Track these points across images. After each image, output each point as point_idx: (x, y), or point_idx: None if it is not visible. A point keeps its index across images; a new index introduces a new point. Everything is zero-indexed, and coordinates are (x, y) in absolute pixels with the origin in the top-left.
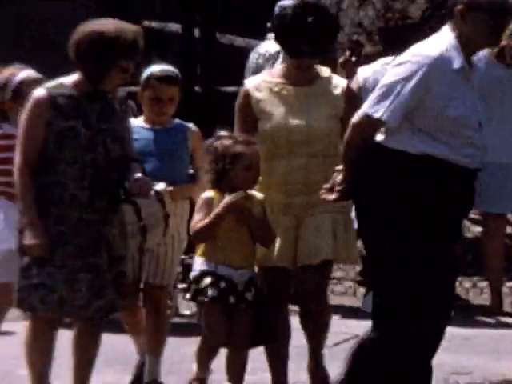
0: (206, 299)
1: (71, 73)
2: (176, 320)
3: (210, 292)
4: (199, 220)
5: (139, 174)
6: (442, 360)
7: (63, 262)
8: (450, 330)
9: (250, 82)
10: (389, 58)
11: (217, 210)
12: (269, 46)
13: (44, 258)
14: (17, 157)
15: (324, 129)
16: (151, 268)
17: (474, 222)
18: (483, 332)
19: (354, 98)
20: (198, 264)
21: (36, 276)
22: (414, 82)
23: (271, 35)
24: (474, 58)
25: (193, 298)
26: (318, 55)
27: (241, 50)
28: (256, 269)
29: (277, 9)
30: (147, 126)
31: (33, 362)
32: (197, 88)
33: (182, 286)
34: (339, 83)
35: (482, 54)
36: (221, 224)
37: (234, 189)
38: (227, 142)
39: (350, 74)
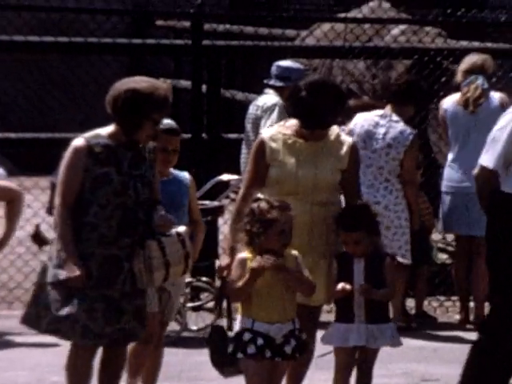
0: (245, 356)
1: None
2: (185, 334)
3: (248, 349)
4: (234, 281)
5: (163, 212)
6: (413, 369)
7: (85, 293)
8: (420, 343)
9: (267, 133)
10: (380, 111)
11: (246, 276)
12: (266, 99)
13: (71, 292)
14: (57, 199)
15: (328, 180)
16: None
17: (441, 250)
18: (449, 345)
19: (357, 154)
20: (239, 321)
21: (66, 307)
22: (509, 128)
23: (268, 90)
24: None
25: (233, 354)
26: (329, 126)
27: (241, 103)
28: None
29: (294, 85)
30: None
31: None
32: (204, 135)
33: (190, 304)
34: (346, 141)
35: (451, 101)
36: (252, 285)
37: (265, 251)
38: (264, 206)
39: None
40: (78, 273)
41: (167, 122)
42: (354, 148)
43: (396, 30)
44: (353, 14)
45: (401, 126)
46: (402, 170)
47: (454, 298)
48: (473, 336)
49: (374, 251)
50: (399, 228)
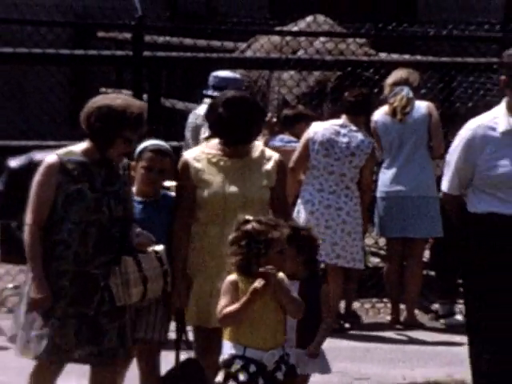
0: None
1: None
2: None
3: (240, 377)
4: (226, 305)
5: (139, 229)
6: (347, 368)
7: (57, 310)
8: (354, 343)
9: (189, 154)
10: (338, 121)
11: (246, 296)
12: (205, 108)
13: (48, 312)
14: (27, 216)
15: (257, 198)
16: (144, 324)
17: (373, 253)
18: (380, 345)
19: (284, 170)
20: (228, 347)
21: (40, 328)
22: (458, 151)
23: (207, 99)
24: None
25: (225, 382)
26: (250, 141)
27: (181, 112)
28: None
29: (209, 92)
30: (138, 198)
31: None
32: None
33: None
34: (272, 156)
35: (380, 113)
36: (251, 307)
37: (259, 274)
38: (260, 227)
39: (271, 132)
40: (43, 295)
41: (156, 142)
42: (280, 164)
43: (318, 42)
44: (289, 27)
45: (360, 135)
46: (362, 177)
47: (386, 300)
48: (403, 336)
49: (311, 276)
50: (358, 234)
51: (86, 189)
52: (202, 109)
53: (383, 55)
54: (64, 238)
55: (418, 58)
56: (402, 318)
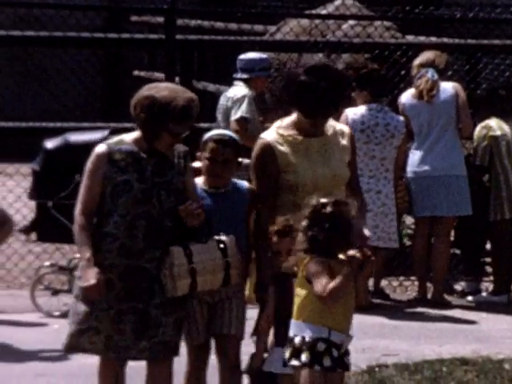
0: (321, 368)
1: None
2: None
3: (325, 361)
4: (327, 282)
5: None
6: (375, 344)
7: (109, 304)
8: (382, 320)
9: (270, 136)
10: (372, 105)
11: (346, 268)
12: (236, 90)
13: (94, 304)
14: (77, 206)
15: (344, 175)
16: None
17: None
18: (408, 322)
19: (355, 143)
20: (309, 330)
21: (86, 321)
22: None
23: (237, 82)
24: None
25: (310, 364)
26: (331, 114)
27: (212, 94)
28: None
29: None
30: (207, 189)
31: None
32: None
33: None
34: (344, 130)
35: (407, 95)
36: (352, 281)
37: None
38: (342, 209)
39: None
40: (92, 282)
41: (220, 131)
42: (352, 137)
43: (346, 25)
44: (318, 10)
45: (394, 115)
46: (397, 157)
47: (413, 278)
48: (430, 314)
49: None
50: (394, 215)
51: (133, 180)
52: (232, 91)
53: (410, 38)
54: (111, 231)
55: (445, 40)
56: (428, 296)
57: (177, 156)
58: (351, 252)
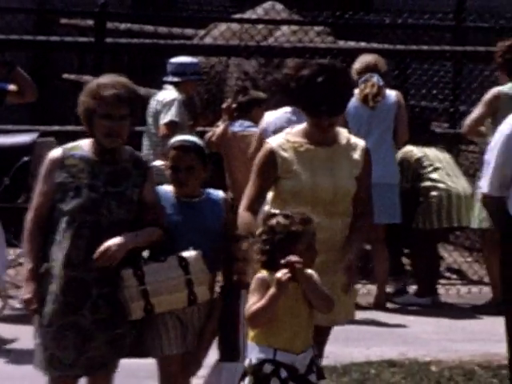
0: None
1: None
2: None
3: (271, 383)
4: (254, 303)
5: (115, 240)
6: None
7: (51, 320)
8: None
9: (274, 141)
10: (288, 108)
11: (272, 289)
12: (166, 94)
13: (39, 319)
14: (28, 212)
15: (348, 189)
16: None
17: None
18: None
19: (370, 159)
20: (255, 351)
21: (36, 337)
22: (497, 149)
23: (167, 85)
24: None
25: None
26: (336, 114)
27: (143, 97)
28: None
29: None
30: (176, 199)
31: None
32: None
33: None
34: (358, 143)
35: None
36: (277, 304)
37: (285, 265)
38: (285, 221)
39: (231, 118)
40: (27, 296)
41: (182, 137)
42: (367, 152)
43: (279, 32)
44: (247, 15)
45: None
46: None
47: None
48: (359, 316)
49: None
50: None
51: (84, 187)
52: (162, 95)
53: (340, 43)
54: (58, 238)
55: (374, 45)
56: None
57: (135, 166)
58: (277, 274)
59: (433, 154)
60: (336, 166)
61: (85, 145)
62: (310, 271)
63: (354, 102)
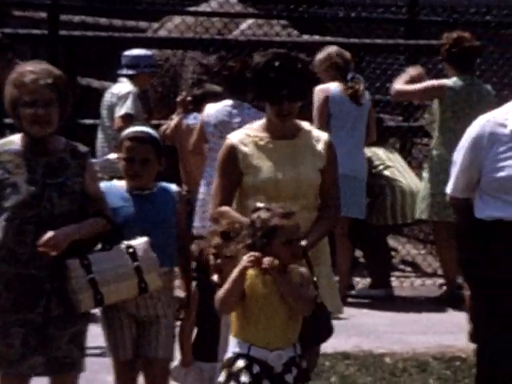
0: None
1: None
2: None
3: (242, 377)
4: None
5: (58, 231)
6: None
7: (5, 321)
8: None
9: (235, 137)
10: (229, 101)
11: (233, 273)
12: (121, 87)
13: None
14: None
15: (312, 182)
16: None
17: None
18: None
19: (335, 151)
20: (233, 345)
21: None
22: (463, 150)
23: (122, 78)
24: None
25: (226, 382)
26: (296, 99)
27: (97, 90)
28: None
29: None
30: (128, 192)
31: None
32: None
33: None
34: (321, 136)
35: (337, 90)
36: (238, 288)
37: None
38: (266, 215)
39: (185, 110)
40: None
41: (137, 128)
42: (331, 145)
43: (244, 25)
44: (202, 8)
45: (253, 111)
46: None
47: None
48: None
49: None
50: None
51: (21, 182)
52: (117, 88)
53: (295, 37)
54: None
55: (328, 39)
56: None
57: (73, 156)
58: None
59: (382, 153)
60: (298, 159)
61: (17, 139)
62: (302, 269)
63: (340, 92)
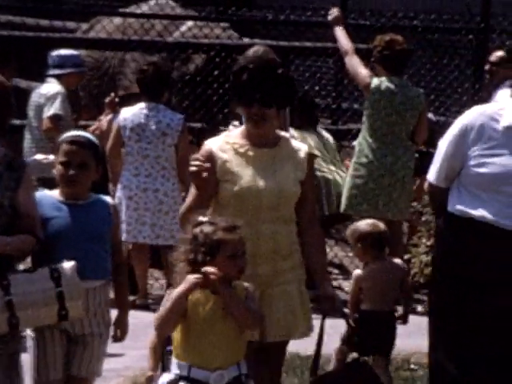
0: None
1: None
2: None
3: None
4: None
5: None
6: None
7: None
8: None
9: (213, 143)
10: (144, 104)
11: (174, 292)
12: (49, 87)
13: None
14: None
15: (293, 193)
16: (79, 359)
17: None
18: None
19: (313, 162)
20: (174, 367)
21: None
22: (448, 139)
23: (50, 79)
24: None
25: None
26: (268, 104)
27: (24, 90)
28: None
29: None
30: (62, 200)
31: None
32: None
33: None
34: (301, 147)
35: None
36: (182, 306)
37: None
38: (208, 229)
39: (113, 112)
40: None
41: (75, 132)
42: (310, 155)
43: (184, 27)
44: (132, 9)
45: (169, 113)
46: (178, 153)
47: None
48: None
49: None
50: (175, 212)
51: None
52: (45, 88)
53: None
54: None
55: (257, 41)
56: None
57: (8, 168)
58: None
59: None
60: (279, 169)
61: None
62: (246, 284)
63: None
